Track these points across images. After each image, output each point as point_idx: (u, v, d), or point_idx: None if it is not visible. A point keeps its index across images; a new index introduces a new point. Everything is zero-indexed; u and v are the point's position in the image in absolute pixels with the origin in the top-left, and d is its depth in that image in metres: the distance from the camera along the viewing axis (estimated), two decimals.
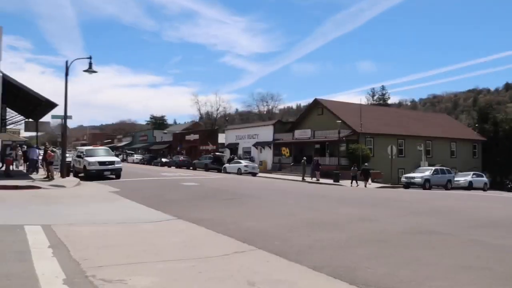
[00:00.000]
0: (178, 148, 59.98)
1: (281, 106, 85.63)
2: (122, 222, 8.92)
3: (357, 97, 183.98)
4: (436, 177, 30.04)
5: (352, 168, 30.03)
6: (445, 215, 11.10)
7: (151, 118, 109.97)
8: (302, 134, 40.05)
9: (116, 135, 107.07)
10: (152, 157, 58.80)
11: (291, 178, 32.24)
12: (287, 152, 42.22)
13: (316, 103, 42.35)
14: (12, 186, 15.29)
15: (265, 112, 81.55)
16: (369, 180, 29.30)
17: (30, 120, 26.25)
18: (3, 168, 21.34)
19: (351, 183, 28.52)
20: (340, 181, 29.29)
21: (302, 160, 33.12)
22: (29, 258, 5.53)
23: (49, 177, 19.35)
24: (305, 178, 31.39)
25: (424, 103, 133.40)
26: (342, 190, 21.80)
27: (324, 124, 38.73)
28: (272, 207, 11.83)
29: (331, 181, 29.34)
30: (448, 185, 30.41)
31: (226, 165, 38.84)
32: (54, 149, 23.97)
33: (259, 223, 9.00)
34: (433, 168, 31.34)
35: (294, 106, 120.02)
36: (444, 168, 32.33)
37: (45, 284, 4.54)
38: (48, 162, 20.14)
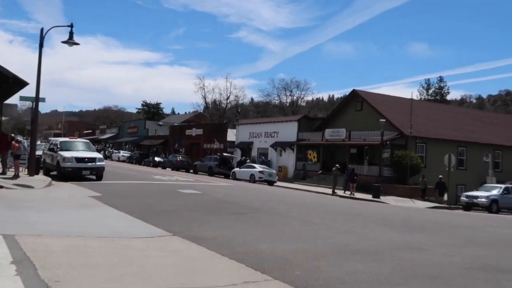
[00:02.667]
0: (176, 145, 60.44)
1: (309, 98, 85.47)
2: (104, 236, 8.98)
3: (407, 90, 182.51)
4: (506, 198, 29.56)
5: (421, 179, 30.33)
6: None
7: (143, 105, 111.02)
8: (334, 134, 39.88)
9: (99, 125, 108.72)
10: (142, 155, 59.44)
11: (318, 190, 32.11)
12: (314, 157, 42.12)
13: (354, 96, 42.14)
14: None
15: (288, 104, 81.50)
16: (445, 196, 29.79)
17: None
18: None
19: (423, 197, 29.24)
20: (381, 197, 29.09)
21: (334, 168, 32.99)
22: None
23: (14, 175, 19.70)
24: (335, 190, 31.26)
25: (494, 101, 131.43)
26: (383, 208, 21.56)
27: (363, 123, 38.48)
28: (293, 226, 11.79)
29: (369, 197, 29.16)
30: None
31: (236, 169, 38.96)
32: (19, 139, 24.39)
33: (276, 245, 8.97)
34: (503, 186, 30.86)
35: (326, 98, 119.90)
36: None
37: None
38: (14, 156, 20.50)
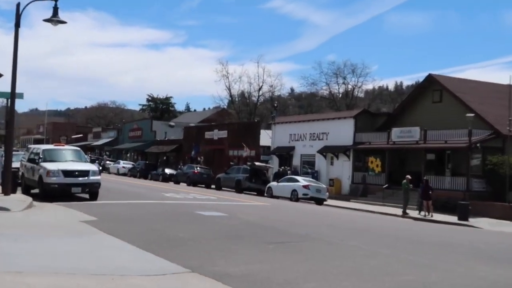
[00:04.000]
0: (193, 153, 60.90)
1: (369, 86, 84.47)
2: (101, 273, 9.02)
3: (503, 73, 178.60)
4: None
5: None
6: None
7: (149, 100, 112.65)
8: (404, 134, 39.38)
9: (92, 127, 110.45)
10: (149, 166, 60.11)
11: (383, 211, 31.70)
12: (377, 165, 41.68)
13: (431, 82, 41.53)
14: None
15: (340, 96, 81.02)
16: None
17: None
18: None
19: None
20: (470, 219, 28.46)
21: (404, 181, 32.55)
22: None
23: None
24: (407, 211, 30.83)
25: None
26: (474, 235, 21.09)
27: (443, 119, 37.84)
28: (351, 259, 11.68)
29: (453, 218, 28.60)
30: None
31: (273, 183, 38.89)
32: None
33: (330, 285, 8.88)
34: None
35: (391, 87, 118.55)
36: None
37: None
38: None
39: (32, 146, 29.93)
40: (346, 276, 9.83)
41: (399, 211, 31.08)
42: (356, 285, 9.05)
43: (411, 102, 43.38)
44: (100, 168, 45.77)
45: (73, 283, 8.23)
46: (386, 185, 38.90)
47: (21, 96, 22.77)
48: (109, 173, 61.53)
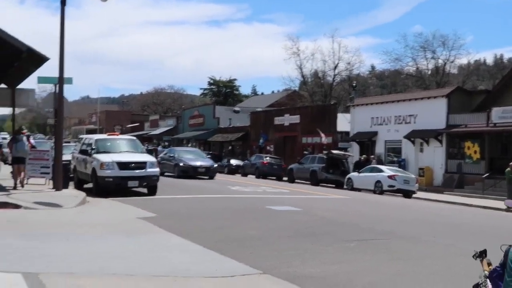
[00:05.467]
0: (261, 141, 61.19)
1: (462, 61, 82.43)
2: (162, 275, 9.28)
3: None
4: None
5: None
6: None
7: (210, 84, 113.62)
8: (507, 115, 38.36)
9: (149, 114, 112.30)
10: (212, 157, 60.66)
11: (483, 204, 31.05)
12: (475, 152, 40.82)
13: None
14: None
15: (429, 73, 79.47)
16: None
17: (1, 86, 28.13)
18: None
19: None
20: None
21: (508, 169, 31.77)
22: None
23: (14, 184, 21.61)
24: None
25: None
26: None
27: None
28: (444, 259, 11.61)
29: None
30: None
31: (353, 174, 38.70)
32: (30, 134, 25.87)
33: None
34: None
35: (489, 61, 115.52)
36: None
37: None
38: (13, 159, 22.08)
39: (84, 136, 30.82)
40: (440, 277, 9.79)
41: (502, 205, 30.36)
42: None
43: None
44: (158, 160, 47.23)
45: (131, 285, 8.50)
46: (487, 174, 38.00)
47: (70, 81, 23.36)
48: None
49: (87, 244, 11.90)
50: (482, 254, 4.36)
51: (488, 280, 4.12)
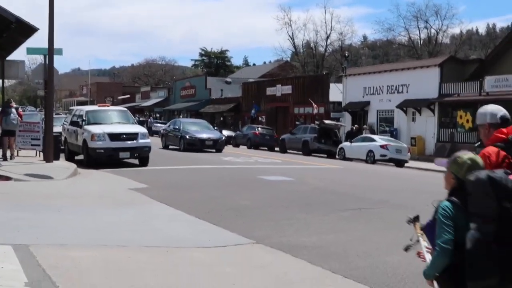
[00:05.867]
0: (253, 112, 61.02)
1: (455, 30, 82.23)
2: (154, 245, 9.27)
3: None
4: None
5: None
6: None
7: (202, 54, 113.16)
8: (500, 83, 38.31)
9: (140, 86, 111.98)
10: None
11: None
12: (467, 121, 40.82)
13: None
14: None
15: (422, 43, 79.28)
16: None
17: None
18: None
19: None
20: None
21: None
22: None
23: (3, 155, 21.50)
24: None
25: None
26: None
27: None
28: None
29: None
30: None
31: (345, 144, 38.64)
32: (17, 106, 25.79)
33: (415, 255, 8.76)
34: None
35: (482, 30, 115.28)
36: None
37: None
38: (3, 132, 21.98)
39: (75, 107, 30.66)
40: None
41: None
42: None
43: (508, 45, 42.04)
44: (150, 131, 47.06)
45: (123, 256, 8.44)
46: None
47: (60, 52, 23.16)
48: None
49: (78, 215, 11.85)
50: (415, 219, 4.49)
51: (421, 237, 4.42)
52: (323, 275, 7.79)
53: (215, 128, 44.36)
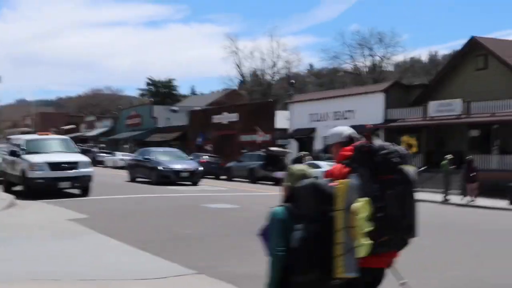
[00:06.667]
0: (199, 140, 60.88)
1: (399, 58, 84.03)
2: (97, 278, 8.98)
3: None
4: None
5: None
6: None
7: (148, 84, 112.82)
8: (443, 108, 38.98)
9: (85, 115, 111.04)
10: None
11: (421, 197, 31.34)
12: (412, 145, 41.32)
13: (473, 47, 40.92)
14: None
15: (367, 71, 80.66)
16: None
17: None
18: None
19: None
20: None
21: (444, 161, 32.22)
22: None
23: None
24: (447, 197, 30.50)
25: None
26: None
27: (489, 89, 37.31)
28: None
29: (503, 203, 28.22)
30: None
31: None
32: None
33: None
34: None
35: (425, 58, 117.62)
36: None
37: None
38: None
39: (14, 136, 29.95)
40: None
41: (439, 197, 30.76)
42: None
43: (450, 71, 42.89)
44: (94, 161, 46.29)
45: None
46: (424, 167, 38.49)
47: None
48: (105, 166, 61.72)
49: (15, 247, 11.51)
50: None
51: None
52: None
53: (190, 158, 41.61)
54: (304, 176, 4.77)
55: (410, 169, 4.91)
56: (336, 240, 4.33)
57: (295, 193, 4.64)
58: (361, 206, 4.34)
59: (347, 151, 4.92)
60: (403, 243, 4.88)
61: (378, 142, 5.13)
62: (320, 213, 4.41)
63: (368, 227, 4.33)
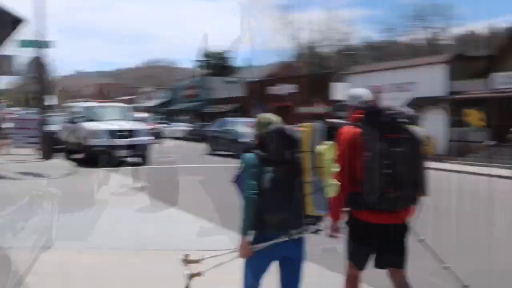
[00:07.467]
0: (258, 111, 60.71)
1: (458, 31, 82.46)
2: (162, 248, 8.89)
3: None
4: None
5: None
6: None
7: (204, 55, 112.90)
8: (510, 80, 38.03)
9: (141, 87, 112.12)
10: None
11: (488, 172, 30.57)
12: (477, 118, 40.48)
13: None
14: None
15: (425, 44, 79.30)
16: None
17: None
18: None
19: None
20: None
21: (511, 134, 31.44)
22: None
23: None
24: None
25: None
26: None
27: None
28: (463, 228, 11.25)
29: None
30: None
31: None
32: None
33: None
34: None
35: (483, 31, 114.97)
36: None
37: None
38: None
39: (73, 104, 30.14)
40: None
41: (505, 172, 29.96)
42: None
43: None
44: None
45: (115, 259, 8.18)
46: (494, 142, 37.60)
47: (45, 44, 22.65)
48: (162, 137, 62.33)
49: (72, 214, 11.61)
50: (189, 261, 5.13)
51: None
52: None
53: None
54: (270, 123, 5.03)
55: (417, 129, 5.18)
56: (304, 179, 4.60)
57: (263, 139, 4.92)
58: (327, 148, 4.72)
59: (359, 113, 5.39)
60: (412, 199, 5.21)
61: (386, 104, 5.57)
62: (286, 155, 4.75)
63: (335, 168, 4.71)
